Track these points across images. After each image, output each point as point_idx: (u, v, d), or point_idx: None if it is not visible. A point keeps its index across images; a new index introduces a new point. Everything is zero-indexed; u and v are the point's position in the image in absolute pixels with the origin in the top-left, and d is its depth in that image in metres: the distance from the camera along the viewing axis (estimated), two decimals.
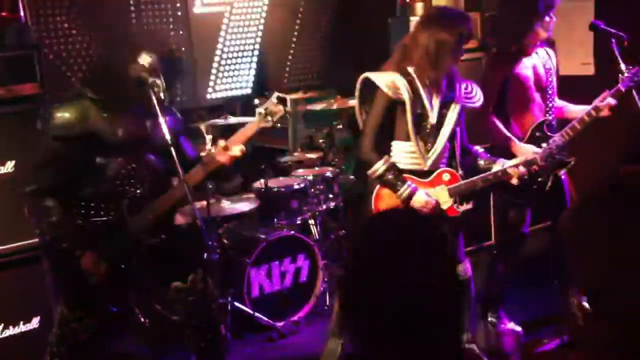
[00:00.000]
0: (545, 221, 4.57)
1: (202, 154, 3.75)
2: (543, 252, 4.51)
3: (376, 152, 3.61)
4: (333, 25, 5.88)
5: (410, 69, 3.58)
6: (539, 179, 4.08)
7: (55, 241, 3.28)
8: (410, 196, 3.56)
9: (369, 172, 3.61)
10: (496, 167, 3.67)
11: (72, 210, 3.32)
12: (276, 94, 3.46)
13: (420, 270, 1.38)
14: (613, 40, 4.09)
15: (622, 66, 4.02)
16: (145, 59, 3.28)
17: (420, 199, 3.57)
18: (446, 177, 3.67)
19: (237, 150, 3.40)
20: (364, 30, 5.99)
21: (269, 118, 3.41)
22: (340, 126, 5.67)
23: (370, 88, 3.63)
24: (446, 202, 3.64)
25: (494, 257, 4.33)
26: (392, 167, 3.59)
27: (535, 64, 4.14)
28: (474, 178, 3.67)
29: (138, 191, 3.39)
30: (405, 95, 3.56)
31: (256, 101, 3.53)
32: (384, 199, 3.66)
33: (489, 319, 4.25)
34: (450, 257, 1.50)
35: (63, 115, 3.25)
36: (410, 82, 3.57)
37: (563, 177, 4.18)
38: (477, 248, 5.63)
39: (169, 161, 3.28)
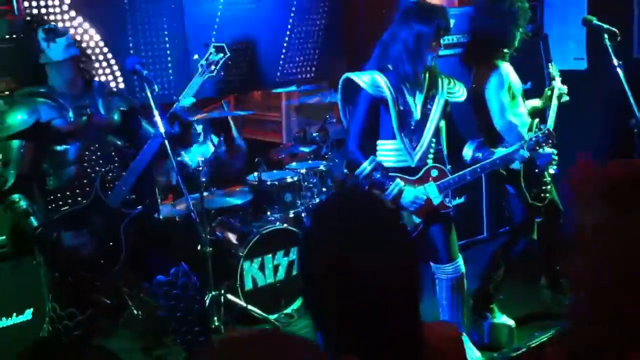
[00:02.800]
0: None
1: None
2: (534, 247, 4.52)
3: (362, 151, 3.62)
4: (327, 19, 5.87)
5: (390, 66, 3.59)
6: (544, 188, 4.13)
7: (30, 229, 3.31)
8: (399, 195, 3.57)
9: (357, 172, 3.62)
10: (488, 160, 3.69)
11: (42, 202, 3.40)
12: (213, 43, 3.67)
13: (374, 247, 1.37)
14: (605, 36, 4.11)
15: (615, 61, 4.04)
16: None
17: (410, 197, 3.58)
18: (434, 173, 3.68)
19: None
20: (359, 23, 5.99)
21: (213, 67, 3.59)
22: (334, 120, 5.68)
23: (352, 88, 3.64)
24: (436, 198, 3.66)
25: (497, 257, 4.32)
26: (379, 167, 3.60)
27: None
28: (462, 172, 3.68)
29: (107, 169, 3.45)
30: (387, 93, 3.57)
31: (195, 56, 3.67)
32: None
33: (482, 313, 4.26)
34: (405, 233, 1.48)
35: (12, 116, 3.33)
36: (392, 79, 3.58)
37: (552, 172, 4.19)
38: (469, 242, 5.67)
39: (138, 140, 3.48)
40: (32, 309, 4.03)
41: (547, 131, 3.68)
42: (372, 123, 3.64)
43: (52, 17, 4.33)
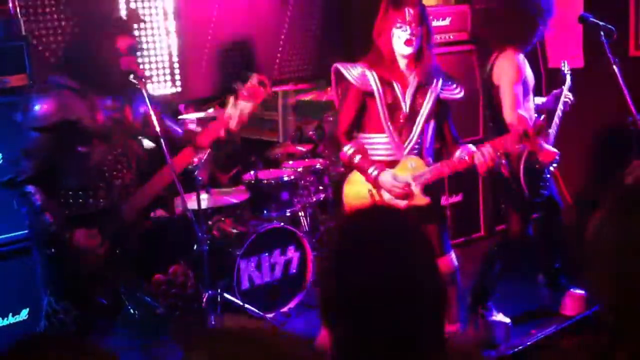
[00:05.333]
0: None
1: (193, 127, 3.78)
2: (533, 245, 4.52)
3: (348, 137, 3.67)
4: (324, 16, 5.87)
5: (377, 61, 3.60)
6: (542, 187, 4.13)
7: (43, 226, 3.28)
8: (378, 175, 3.58)
9: (340, 156, 3.67)
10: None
11: (58, 200, 3.33)
12: (255, 75, 3.51)
13: (399, 264, 1.38)
14: (602, 33, 4.11)
15: (611, 59, 4.04)
16: (123, 42, 3.30)
17: (387, 178, 3.58)
18: (411, 164, 3.66)
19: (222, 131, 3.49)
20: (355, 21, 5.98)
21: (252, 99, 3.48)
22: (331, 118, 5.67)
23: (342, 77, 3.69)
24: (413, 189, 3.63)
25: (493, 254, 4.32)
26: (360, 151, 3.62)
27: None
28: (439, 164, 3.65)
29: (127, 176, 3.42)
30: (374, 87, 3.59)
31: (236, 86, 3.58)
32: (352, 184, 3.70)
33: (479, 311, 4.27)
34: (429, 249, 1.50)
35: (42, 106, 3.25)
36: (380, 73, 3.59)
37: (552, 169, 4.19)
38: (467, 240, 5.67)
39: (158, 147, 3.32)
40: (28, 309, 4.03)
41: (537, 121, 3.64)
42: (359, 113, 3.68)
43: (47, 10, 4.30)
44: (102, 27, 3.34)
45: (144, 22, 4.87)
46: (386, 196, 3.63)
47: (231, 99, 3.50)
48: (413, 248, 1.43)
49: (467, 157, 3.59)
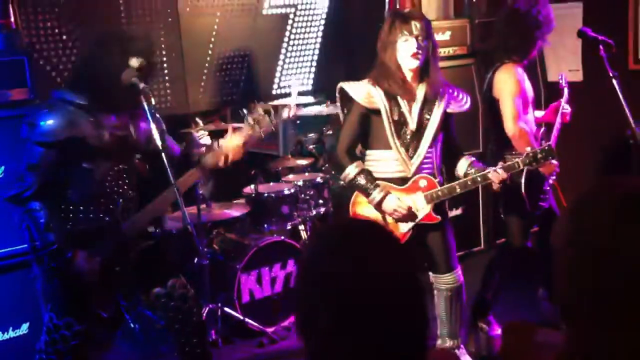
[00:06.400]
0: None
1: (205, 146, 3.77)
2: (532, 258, 4.52)
3: (349, 156, 3.63)
4: (324, 31, 5.90)
5: (382, 76, 3.59)
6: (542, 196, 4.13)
7: (46, 244, 3.27)
8: (381, 201, 3.56)
9: (341, 176, 3.64)
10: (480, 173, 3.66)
11: (60, 214, 3.32)
12: (262, 104, 3.56)
13: (371, 276, 1.35)
14: (601, 47, 4.13)
15: (610, 73, 4.06)
16: (135, 63, 3.29)
17: (391, 204, 3.57)
18: (423, 183, 3.65)
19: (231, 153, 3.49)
20: (355, 36, 6.01)
21: (257, 128, 3.48)
22: (331, 132, 5.68)
23: (347, 96, 3.66)
24: (424, 209, 3.64)
25: (492, 264, 4.32)
26: (364, 172, 3.60)
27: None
28: (452, 184, 3.65)
29: (129, 193, 3.41)
30: (380, 104, 3.57)
31: (244, 111, 3.60)
32: (360, 205, 3.69)
33: (479, 325, 4.26)
34: (410, 264, 1.47)
35: (49, 122, 3.23)
36: (386, 90, 3.58)
37: (551, 181, 4.19)
38: (467, 253, 5.67)
39: (159, 164, 3.30)
40: (28, 323, 4.02)
41: (547, 147, 3.66)
42: (363, 131, 3.66)
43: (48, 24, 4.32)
44: (112, 44, 3.34)
45: (154, 42, 4.87)
46: (389, 219, 3.63)
47: (230, 129, 3.52)
48: (388, 260, 1.40)
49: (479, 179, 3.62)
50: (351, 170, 3.60)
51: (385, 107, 3.57)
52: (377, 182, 3.60)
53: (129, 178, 3.44)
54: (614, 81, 4.05)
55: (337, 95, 3.75)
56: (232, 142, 3.48)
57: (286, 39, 5.80)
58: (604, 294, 1.26)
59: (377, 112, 3.60)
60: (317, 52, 5.97)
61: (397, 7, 5.67)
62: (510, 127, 3.99)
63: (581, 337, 1.33)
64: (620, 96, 4.03)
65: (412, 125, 3.62)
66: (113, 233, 3.37)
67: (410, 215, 3.61)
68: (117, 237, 3.37)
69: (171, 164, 3.30)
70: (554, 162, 3.91)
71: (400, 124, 3.61)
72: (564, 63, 5.78)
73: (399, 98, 3.60)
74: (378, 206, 3.58)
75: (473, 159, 3.78)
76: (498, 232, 5.50)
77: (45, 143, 3.23)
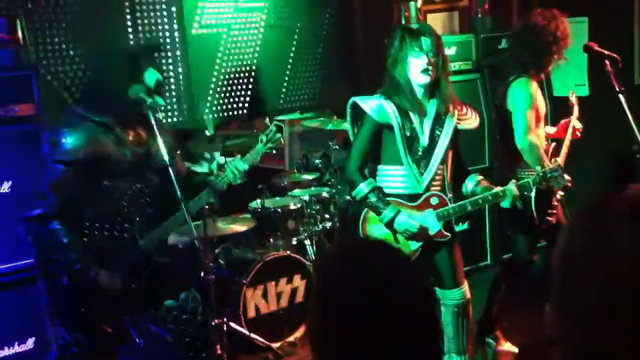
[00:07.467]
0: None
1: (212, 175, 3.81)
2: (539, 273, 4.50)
3: (361, 174, 3.60)
4: (329, 46, 5.91)
5: (393, 91, 3.58)
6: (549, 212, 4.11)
7: (68, 263, 3.26)
8: (393, 219, 3.54)
9: (353, 194, 3.61)
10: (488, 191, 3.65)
11: (78, 232, 3.31)
12: (275, 122, 3.63)
13: (383, 293, 1.37)
14: (607, 62, 4.12)
15: (617, 87, 4.06)
16: (151, 77, 3.31)
17: (403, 223, 3.55)
18: (434, 201, 3.63)
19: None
20: (361, 50, 6.02)
21: (270, 145, 3.53)
22: (337, 147, 5.69)
23: (359, 111, 3.64)
24: (434, 227, 3.62)
25: (497, 279, 4.31)
26: (376, 190, 3.57)
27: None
28: (464, 202, 3.64)
29: (147, 211, 3.42)
30: (393, 120, 3.55)
31: (267, 122, 3.69)
32: (370, 222, 3.67)
33: (486, 340, 4.24)
34: (422, 286, 1.48)
35: (72, 140, 3.23)
36: (398, 105, 3.57)
37: (559, 197, 4.18)
38: (473, 268, 5.65)
39: (168, 180, 3.31)
40: (34, 338, 4.01)
41: (557, 166, 3.65)
42: (374, 147, 3.63)
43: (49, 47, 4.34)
44: (120, 59, 3.36)
45: (163, 51, 4.90)
46: (399, 237, 3.62)
47: (259, 143, 3.58)
48: (399, 278, 1.41)
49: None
50: (363, 188, 3.57)
51: (398, 122, 3.55)
52: (388, 200, 3.59)
53: (148, 196, 3.44)
54: (621, 96, 4.04)
55: (348, 110, 3.72)
56: (240, 168, 3.52)
57: (292, 53, 5.82)
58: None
59: (389, 127, 3.57)
60: (322, 66, 5.98)
61: (403, 21, 5.69)
62: (521, 139, 3.99)
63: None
64: (627, 111, 4.02)
65: (424, 141, 3.60)
66: (130, 249, 3.37)
67: (421, 234, 3.60)
68: (135, 255, 3.38)
69: (177, 179, 3.31)
70: (567, 177, 3.90)
71: (412, 139, 3.59)
72: (570, 78, 5.77)
73: (410, 113, 3.58)
74: (389, 225, 3.56)
75: (481, 176, 3.76)
76: (504, 247, 5.48)
77: (67, 161, 3.23)
